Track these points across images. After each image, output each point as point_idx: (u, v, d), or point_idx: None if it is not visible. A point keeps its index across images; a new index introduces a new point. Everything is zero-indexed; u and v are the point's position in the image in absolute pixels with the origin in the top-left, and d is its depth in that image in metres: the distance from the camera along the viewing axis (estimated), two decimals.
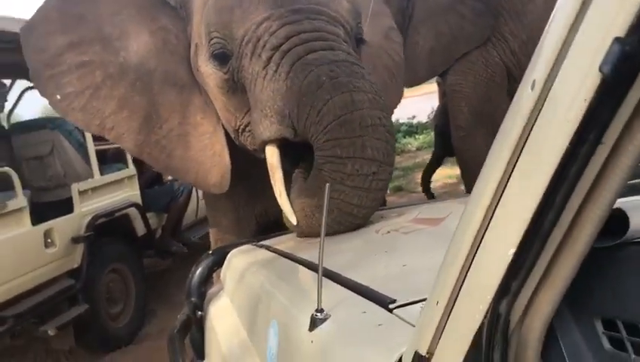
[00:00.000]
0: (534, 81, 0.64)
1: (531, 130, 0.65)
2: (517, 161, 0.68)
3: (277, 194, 2.43)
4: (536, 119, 0.65)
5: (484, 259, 0.74)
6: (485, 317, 0.75)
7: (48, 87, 2.89)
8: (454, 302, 0.81)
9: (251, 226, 3.46)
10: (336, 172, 2.19)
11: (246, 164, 2.97)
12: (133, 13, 2.95)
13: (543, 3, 4.88)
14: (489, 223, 0.73)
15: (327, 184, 1.22)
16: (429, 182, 8.11)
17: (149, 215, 5.59)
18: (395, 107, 3.62)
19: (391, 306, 1.26)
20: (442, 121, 6.68)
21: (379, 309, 1.27)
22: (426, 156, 11.06)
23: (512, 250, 0.69)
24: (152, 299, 5.87)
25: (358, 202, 2.21)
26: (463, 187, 6.78)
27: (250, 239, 2.69)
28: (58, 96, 2.86)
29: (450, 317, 0.81)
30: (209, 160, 2.92)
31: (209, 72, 2.69)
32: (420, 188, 8.50)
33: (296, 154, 2.43)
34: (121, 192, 5.33)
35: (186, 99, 2.93)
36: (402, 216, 2.33)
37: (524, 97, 0.66)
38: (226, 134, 2.91)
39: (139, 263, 5.59)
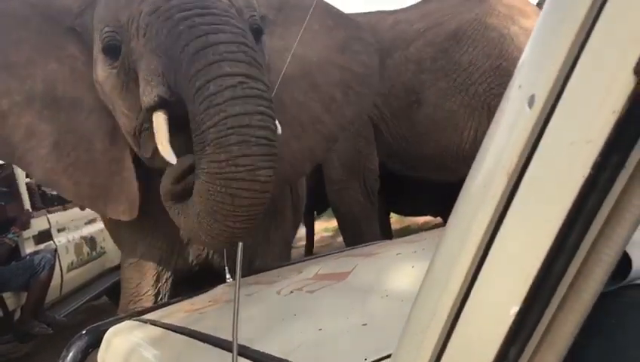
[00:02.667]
0: (533, 97, 0.52)
1: (530, 157, 0.53)
2: (513, 195, 0.55)
3: (158, 144, 2.26)
4: (537, 143, 0.52)
5: (472, 323, 0.60)
6: None
7: None
8: None
9: (168, 285, 3.27)
10: (204, 101, 2.00)
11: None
12: (40, 41, 2.86)
13: (401, 58, 5.07)
14: (476, 275, 0.59)
15: (240, 244, 1.04)
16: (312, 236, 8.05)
17: (5, 295, 4.99)
18: (349, 123, 3.48)
19: None
20: (315, 176, 6.71)
21: None
22: None
23: (515, 308, 0.55)
24: None
25: (241, 110, 1.98)
26: (340, 239, 6.82)
27: (131, 314, 2.39)
28: None
29: None
30: (117, 186, 2.79)
31: (104, 76, 2.58)
32: (299, 244, 8.41)
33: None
34: None
35: (94, 125, 2.82)
36: (302, 273, 2.17)
37: (519, 119, 0.53)
38: (135, 162, 2.77)
39: None
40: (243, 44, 2.14)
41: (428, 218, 7.29)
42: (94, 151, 2.81)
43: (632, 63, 0.44)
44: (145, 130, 2.51)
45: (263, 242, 3.32)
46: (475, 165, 0.61)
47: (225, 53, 2.06)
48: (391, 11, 5.49)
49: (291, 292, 1.89)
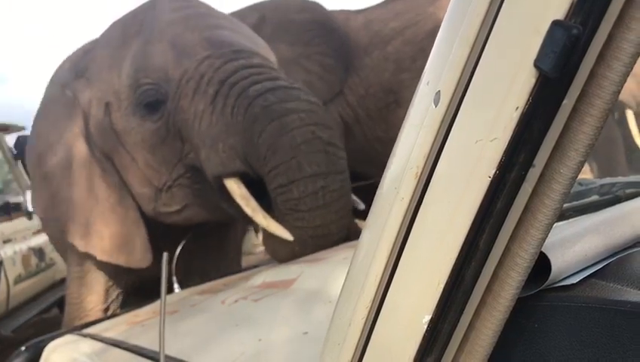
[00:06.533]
0: (439, 93, 0.49)
1: (438, 157, 0.50)
2: (422, 197, 0.52)
3: (260, 221, 2.31)
4: (444, 142, 0.50)
5: (387, 332, 0.57)
6: None
7: (34, 200, 3.11)
8: None
9: (119, 301, 3.25)
10: (288, 201, 2.18)
11: None
12: (61, 111, 2.94)
13: (380, 57, 4.94)
14: (389, 283, 0.56)
15: (165, 254, 0.99)
16: None
17: None
18: None
19: None
20: None
21: None
22: None
23: (428, 317, 0.52)
24: None
25: (322, 222, 2.18)
26: None
27: (72, 328, 2.30)
28: (39, 209, 3.04)
29: None
30: (129, 231, 2.78)
31: (131, 127, 2.57)
32: (258, 250, 8.33)
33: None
34: None
35: (91, 174, 2.83)
36: (249, 281, 2.12)
37: (427, 115, 0.50)
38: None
39: None
40: (315, 124, 2.23)
41: None
42: (101, 200, 2.81)
43: (533, 56, 0.42)
44: (177, 185, 2.55)
45: (217, 251, 3.28)
46: (387, 166, 0.58)
47: (302, 145, 2.16)
48: (357, 10, 5.34)
49: (236, 301, 1.84)
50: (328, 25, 4.94)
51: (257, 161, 2.25)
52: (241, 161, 2.32)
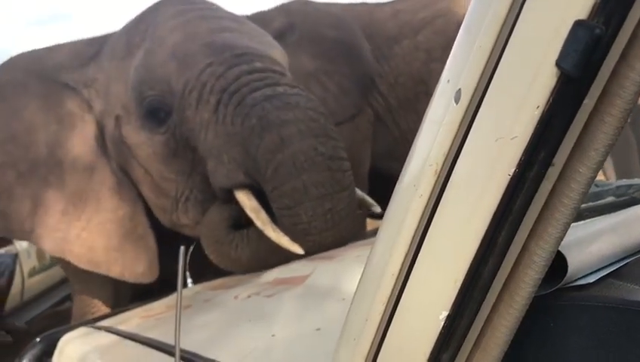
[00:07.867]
0: (459, 91, 0.49)
1: (458, 155, 0.51)
2: (441, 194, 0.52)
3: (271, 235, 2.23)
4: (464, 140, 0.50)
5: (403, 328, 0.57)
6: None
7: None
8: None
9: (127, 298, 3.21)
10: (297, 225, 2.15)
11: None
12: (39, 104, 2.82)
13: (410, 46, 4.86)
14: (407, 279, 0.56)
15: (182, 247, 1.00)
16: None
17: None
18: None
19: None
20: None
21: None
22: None
23: (445, 313, 0.53)
24: None
25: (333, 240, 2.16)
26: None
27: (86, 321, 2.32)
28: None
29: None
30: (133, 246, 2.72)
31: (141, 140, 2.53)
32: None
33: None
34: None
35: (99, 182, 2.74)
36: (261, 277, 2.14)
37: (447, 113, 0.51)
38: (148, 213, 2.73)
39: None
40: (316, 136, 2.18)
41: None
42: (104, 210, 2.73)
43: (555, 56, 0.42)
44: (193, 198, 2.50)
45: None
46: (406, 163, 0.58)
47: (305, 164, 2.11)
48: (383, 3, 5.28)
49: (248, 296, 1.86)
50: (356, 47, 4.82)
51: (258, 175, 2.21)
52: (244, 174, 2.28)
